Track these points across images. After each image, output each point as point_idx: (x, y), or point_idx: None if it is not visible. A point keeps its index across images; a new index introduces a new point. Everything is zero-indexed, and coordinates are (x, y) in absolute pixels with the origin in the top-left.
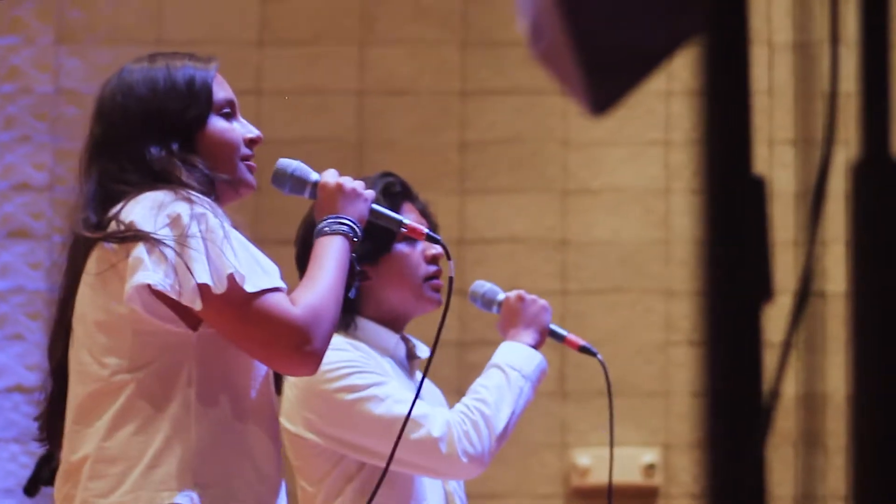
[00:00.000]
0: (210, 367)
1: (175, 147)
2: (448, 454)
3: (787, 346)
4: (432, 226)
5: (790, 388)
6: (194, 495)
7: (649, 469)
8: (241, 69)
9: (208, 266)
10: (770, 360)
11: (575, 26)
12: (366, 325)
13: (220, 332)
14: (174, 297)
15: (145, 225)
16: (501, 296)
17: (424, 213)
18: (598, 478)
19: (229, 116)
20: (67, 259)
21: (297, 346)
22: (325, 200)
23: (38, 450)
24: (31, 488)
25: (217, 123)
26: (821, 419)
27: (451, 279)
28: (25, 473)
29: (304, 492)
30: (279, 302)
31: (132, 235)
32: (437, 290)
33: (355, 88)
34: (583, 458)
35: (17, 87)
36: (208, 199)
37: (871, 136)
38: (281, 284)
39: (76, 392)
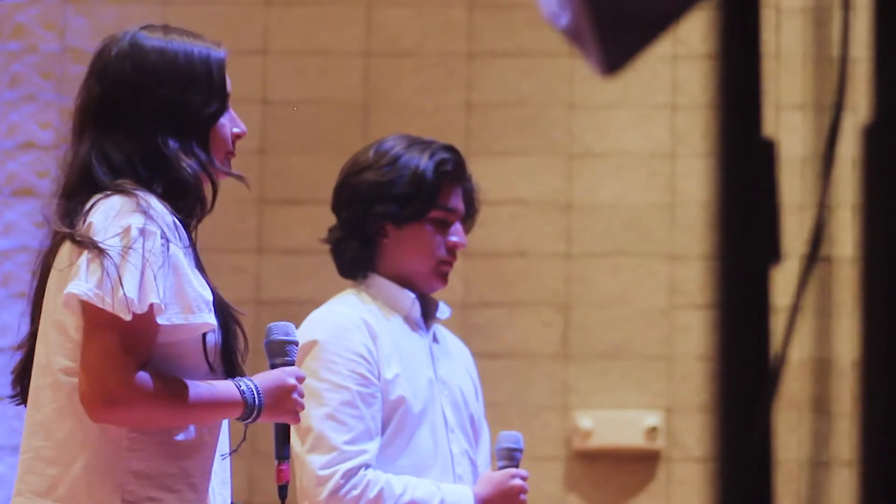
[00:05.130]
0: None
1: (193, 145)
2: (314, 491)
3: (794, 310)
4: (470, 211)
5: (796, 353)
6: None
7: (652, 432)
8: (247, 29)
9: (139, 282)
10: (778, 324)
11: None
12: (380, 282)
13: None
14: (100, 306)
15: (98, 232)
16: (516, 461)
17: (468, 199)
18: (600, 440)
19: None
20: (51, 232)
21: (102, 393)
22: (273, 378)
23: None
24: None
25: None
26: (827, 384)
27: None
28: None
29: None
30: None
31: (83, 241)
32: (444, 274)
33: (361, 49)
34: (584, 420)
35: (22, 46)
36: (166, 222)
37: (883, 101)
38: (201, 320)
39: (34, 379)
